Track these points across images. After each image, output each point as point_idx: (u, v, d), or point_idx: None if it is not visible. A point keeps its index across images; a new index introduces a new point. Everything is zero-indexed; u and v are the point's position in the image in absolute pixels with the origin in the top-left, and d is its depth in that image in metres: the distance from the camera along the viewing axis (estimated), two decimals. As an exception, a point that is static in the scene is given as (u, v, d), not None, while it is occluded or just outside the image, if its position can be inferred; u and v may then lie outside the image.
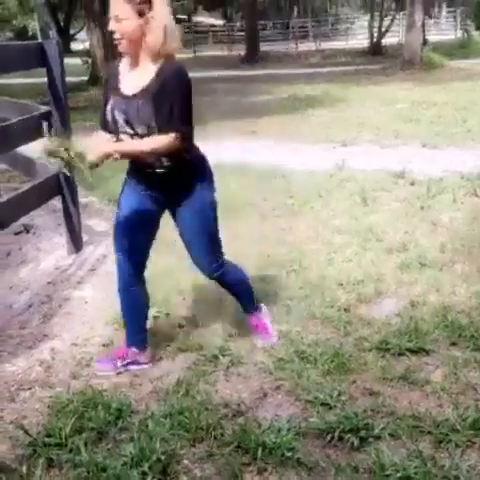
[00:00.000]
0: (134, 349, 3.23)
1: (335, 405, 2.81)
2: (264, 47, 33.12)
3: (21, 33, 37.32)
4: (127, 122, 2.81)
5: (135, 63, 2.83)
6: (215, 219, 3.13)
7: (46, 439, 2.61)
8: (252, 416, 2.78)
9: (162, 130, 2.78)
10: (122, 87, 2.85)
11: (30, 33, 36.46)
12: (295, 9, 42.10)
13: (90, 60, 19.67)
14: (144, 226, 3.10)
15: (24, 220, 5.02)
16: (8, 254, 4.99)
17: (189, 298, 3.97)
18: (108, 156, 2.77)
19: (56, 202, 5.13)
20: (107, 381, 3.11)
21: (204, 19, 48.64)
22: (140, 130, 2.81)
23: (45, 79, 4.57)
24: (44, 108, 4.62)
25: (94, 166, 2.76)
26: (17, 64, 4.47)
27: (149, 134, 2.80)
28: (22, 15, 37.48)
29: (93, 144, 2.81)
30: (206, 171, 3.07)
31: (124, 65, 2.90)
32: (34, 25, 36.11)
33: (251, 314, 3.45)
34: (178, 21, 47.24)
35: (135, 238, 3.10)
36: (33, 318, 3.84)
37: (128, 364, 3.21)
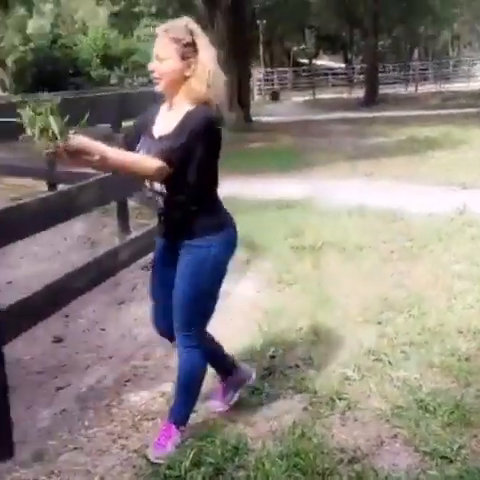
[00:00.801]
0: (229, 377, 3.25)
1: (455, 459, 2.73)
2: (384, 89, 33.01)
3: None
4: None
5: (171, 105, 2.75)
6: (211, 284, 2.83)
7: (167, 471, 2.70)
8: (369, 463, 2.74)
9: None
10: (154, 128, 2.78)
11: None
12: (415, 51, 41.69)
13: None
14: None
15: (152, 256, 5.24)
16: (133, 288, 5.23)
17: (306, 338, 4.00)
18: (87, 152, 2.44)
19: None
20: (225, 417, 3.17)
21: (325, 62, 49.21)
22: None
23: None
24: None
25: (57, 147, 2.35)
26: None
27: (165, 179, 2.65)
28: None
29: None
30: (220, 232, 2.80)
31: (164, 106, 2.82)
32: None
33: (168, 420, 2.96)
34: (299, 65, 47.81)
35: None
36: (156, 350, 3.97)
37: (233, 391, 3.25)
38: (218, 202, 2.87)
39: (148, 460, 2.82)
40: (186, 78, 2.66)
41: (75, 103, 6.48)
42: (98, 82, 34.76)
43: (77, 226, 6.87)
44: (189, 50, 2.65)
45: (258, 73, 37.12)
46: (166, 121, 2.72)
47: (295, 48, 44.30)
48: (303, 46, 44.01)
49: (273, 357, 3.76)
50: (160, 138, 2.70)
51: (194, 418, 3.15)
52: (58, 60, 27.00)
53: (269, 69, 41.11)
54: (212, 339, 3.12)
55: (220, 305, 4.72)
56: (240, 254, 6.06)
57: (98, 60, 39.00)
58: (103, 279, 4.13)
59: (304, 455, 2.73)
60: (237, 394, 3.28)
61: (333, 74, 43.71)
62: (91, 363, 3.88)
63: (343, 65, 46.39)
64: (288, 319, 4.26)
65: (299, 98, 34.85)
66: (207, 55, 2.68)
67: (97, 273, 4.00)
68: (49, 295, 3.46)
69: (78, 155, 2.43)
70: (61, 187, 6.93)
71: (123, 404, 3.36)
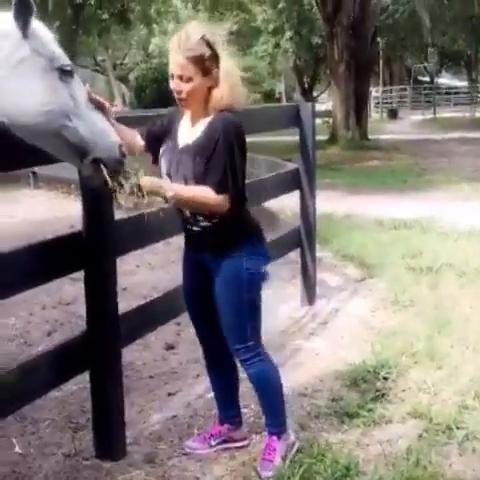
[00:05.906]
0: (228, 426, 3.08)
1: None
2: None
3: (269, 95, 39.87)
4: (168, 174, 2.70)
5: (195, 114, 2.68)
6: (250, 295, 2.76)
7: (275, 485, 2.68)
8: (488, 498, 2.59)
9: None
10: (178, 136, 2.73)
11: (277, 96, 38.82)
12: None
13: (331, 120, 20.32)
14: (200, 298, 2.91)
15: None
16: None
17: (422, 362, 3.84)
18: (162, 194, 2.54)
19: (291, 253, 5.30)
20: (334, 436, 3.10)
21: (447, 81, 47.84)
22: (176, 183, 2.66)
23: (286, 138, 4.85)
24: (291, 165, 4.87)
25: (139, 193, 2.46)
26: (278, 123, 4.82)
27: None
28: (271, 79, 40.22)
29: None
30: (250, 238, 2.77)
31: (185, 114, 2.76)
32: (281, 87, 38.45)
33: (268, 434, 2.92)
34: (420, 83, 46.47)
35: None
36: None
37: (223, 442, 3.06)
38: (246, 210, 2.82)
39: (258, 474, 2.79)
40: (209, 89, 2.62)
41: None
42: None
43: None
44: (210, 63, 2.58)
45: (375, 91, 36.57)
46: (190, 130, 2.69)
47: (416, 66, 43.37)
48: (425, 64, 43.01)
49: (386, 379, 3.64)
50: (182, 148, 2.68)
51: (305, 435, 3.11)
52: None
53: (387, 87, 40.48)
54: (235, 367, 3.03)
55: (330, 323, 4.71)
56: (353, 272, 5.97)
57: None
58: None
59: (419, 483, 2.62)
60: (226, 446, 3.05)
61: (455, 93, 42.46)
62: (201, 372, 3.91)
63: (466, 83, 44.90)
64: (403, 341, 4.11)
65: (418, 117, 34.01)
66: (227, 64, 2.63)
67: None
68: (165, 303, 3.52)
69: (151, 195, 2.51)
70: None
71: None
